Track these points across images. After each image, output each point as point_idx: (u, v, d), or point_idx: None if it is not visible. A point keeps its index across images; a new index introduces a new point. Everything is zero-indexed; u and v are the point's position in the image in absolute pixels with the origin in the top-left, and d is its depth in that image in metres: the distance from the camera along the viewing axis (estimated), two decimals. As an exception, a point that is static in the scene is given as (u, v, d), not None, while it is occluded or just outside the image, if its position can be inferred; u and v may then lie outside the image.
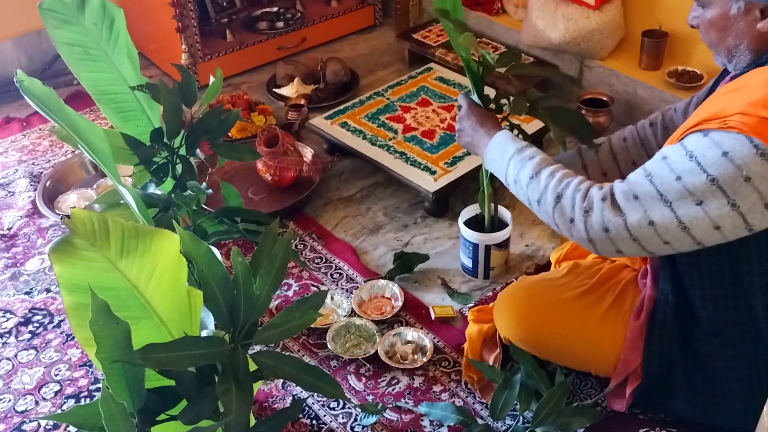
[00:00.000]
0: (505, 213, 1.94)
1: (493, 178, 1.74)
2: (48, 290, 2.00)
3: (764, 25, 1.21)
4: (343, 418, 1.65)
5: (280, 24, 2.99)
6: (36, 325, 1.91)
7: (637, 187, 1.21)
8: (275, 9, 3.07)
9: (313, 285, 1.99)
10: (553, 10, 2.52)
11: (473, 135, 1.51)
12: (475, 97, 1.60)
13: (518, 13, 2.78)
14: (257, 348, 1.59)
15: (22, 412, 1.70)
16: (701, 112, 1.21)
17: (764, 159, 1.11)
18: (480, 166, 1.79)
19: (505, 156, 1.40)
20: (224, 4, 3.01)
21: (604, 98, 2.44)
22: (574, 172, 1.33)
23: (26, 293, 2.00)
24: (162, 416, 1.19)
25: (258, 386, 1.68)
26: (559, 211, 1.28)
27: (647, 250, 1.23)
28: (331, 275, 2.01)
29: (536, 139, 1.70)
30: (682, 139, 1.20)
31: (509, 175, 1.39)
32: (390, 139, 2.32)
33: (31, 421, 1.67)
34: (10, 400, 1.72)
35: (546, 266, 1.96)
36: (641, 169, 1.24)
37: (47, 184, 2.30)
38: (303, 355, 1.78)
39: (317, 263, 2.05)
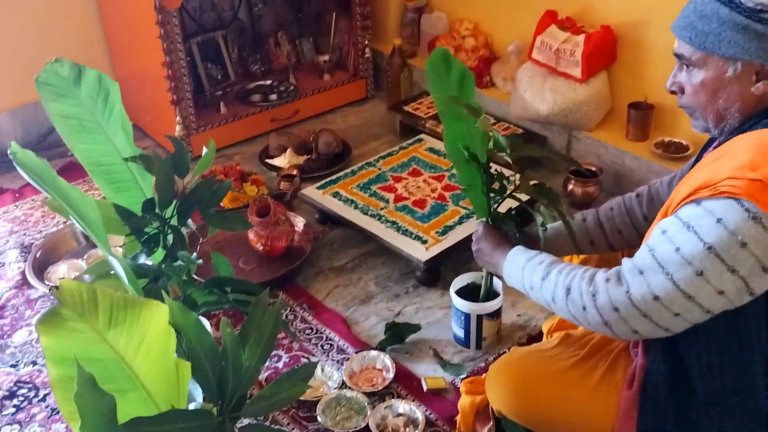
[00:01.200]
0: (496, 283, 1.94)
1: None
2: (34, 363, 1.97)
3: (759, 88, 1.23)
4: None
5: (274, 96, 3.05)
6: (21, 398, 1.87)
7: (641, 262, 1.23)
8: (269, 82, 3.14)
9: (303, 356, 1.97)
10: (540, 83, 2.58)
11: (491, 255, 1.58)
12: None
13: (506, 86, 2.85)
14: (246, 421, 1.56)
15: (3, 489, 1.65)
16: (691, 182, 1.22)
17: (756, 222, 1.12)
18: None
19: (518, 268, 1.45)
20: (219, 77, 3.07)
21: (593, 169, 2.48)
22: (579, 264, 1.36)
23: (12, 366, 1.96)
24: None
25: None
26: (572, 303, 1.30)
27: (662, 327, 1.22)
28: (322, 346, 1.99)
29: (521, 215, 1.76)
30: (676, 210, 1.21)
31: (525, 283, 1.43)
32: (381, 209, 2.34)
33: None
34: (-10, 477, 1.68)
35: (538, 336, 1.95)
36: (645, 245, 1.25)
37: (38, 255, 2.29)
38: (292, 429, 1.75)
39: (308, 334, 2.04)
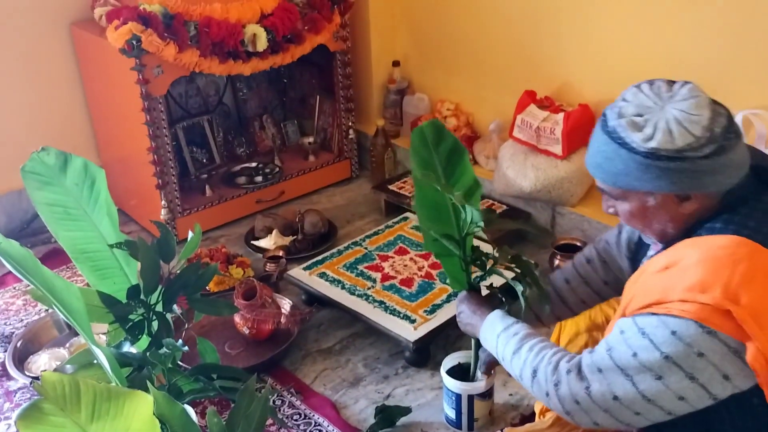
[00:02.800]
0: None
1: None
2: (12, 457, 1.90)
3: (687, 207, 1.23)
4: None
5: (259, 178, 3.07)
6: (-3, 496, 1.79)
7: (600, 360, 1.23)
8: (254, 164, 3.17)
9: (292, 443, 1.92)
10: (522, 160, 2.62)
11: (471, 317, 1.60)
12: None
13: (489, 164, 2.89)
14: None
15: None
16: (642, 295, 1.21)
17: (711, 336, 1.13)
18: None
19: (494, 334, 1.47)
20: (204, 160, 3.10)
21: (578, 243, 2.49)
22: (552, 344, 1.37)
23: (-11, 461, 1.89)
24: None
25: None
26: (537, 386, 1.32)
27: (622, 422, 1.23)
28: (311, 432, 1.94)
29: (508, 292, 1.77)
30: (634, 315, 1.21)
31: (498, 352, 1.45)
32: (368, 288, 2.32)
33: None
34: None
35: (531, 416, 1.91)
36: (603, 342, 1.26)
37: (18, 345, 2.24)
38: None
39: (296, 420, 1.99)
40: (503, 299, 1.66)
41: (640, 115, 1.21)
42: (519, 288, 1.56)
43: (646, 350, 1.16)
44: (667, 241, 1.29)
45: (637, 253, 1.48)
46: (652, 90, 1.24)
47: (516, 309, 1.59)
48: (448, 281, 1.91)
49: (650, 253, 1.39)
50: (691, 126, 1.17)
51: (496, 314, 1.51)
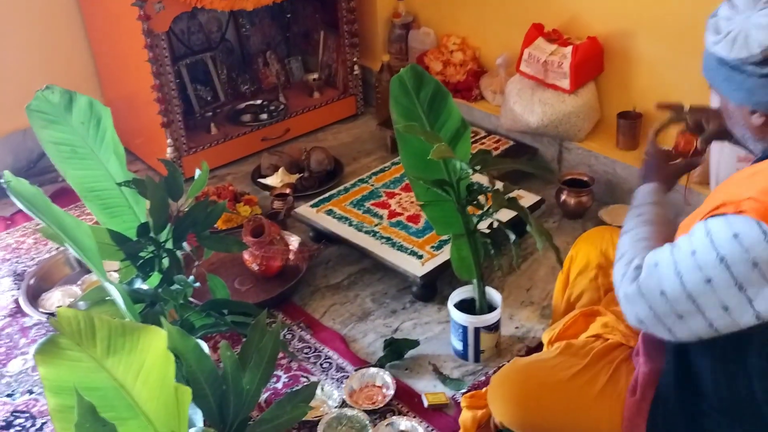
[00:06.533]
0: (494, 295, 1.94)
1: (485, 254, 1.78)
2: (30, 392, 1.95)
3: (755, 120, 1.24)
4: None
5: (264, 116, 3.05)
6: (18, 429, 1.85)
7: (661, 255, 1.23)
8: (259, 102, 3.14)
9: (302, 376, 1.96)
10: (529, 95, 2.59)
11: (641, 175, 1.54)
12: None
13: (496, 99, 2.86)
14: (247, 444, 1.54)
15: None
16: (723, 191, 1.22)
17: None
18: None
19: (634, 204, 1.46)
20: (208, 98, 3.07)
21: (585, 178, 2.49)
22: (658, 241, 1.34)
23: (8, 395, 1.94)
24: None
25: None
26: (617, 271, 1.31)
27: (665, 324, 1.22)
28: (321, 365, 1.98)
29: (516, 227, 1.76)
30: (706, 217, 1.21)
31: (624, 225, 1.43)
32: (376, 225, 2.33)
33: None
34: None
35: (537, 348, 1.95)
36: (669, 243, 1.26)
37: (31, 282, 2.27)
38: (294, 450, 1.73)
39: (306, 353, 2.03)
40: (491, 247, 1.66)
41: (726, 19, 1.23)
42: (512, 237, 1.56)
43: (705, 250, 1.16)
44: (752, 149, 1.31)
45: None
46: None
47: (508, 258, 1.58)
48: (435, 230, 1.89)
49: None
50: (751, 42, 1.18)
51: (646, 188, 1.48)
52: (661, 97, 2.43)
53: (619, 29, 2.48)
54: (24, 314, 2.20)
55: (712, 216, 1.20)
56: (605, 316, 1.58)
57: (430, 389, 1.88)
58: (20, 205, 1.27)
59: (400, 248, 2.22)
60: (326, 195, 2.51)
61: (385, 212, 2.39)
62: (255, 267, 2.25)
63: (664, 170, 1.54)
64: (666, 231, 1.36)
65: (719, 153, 2.14)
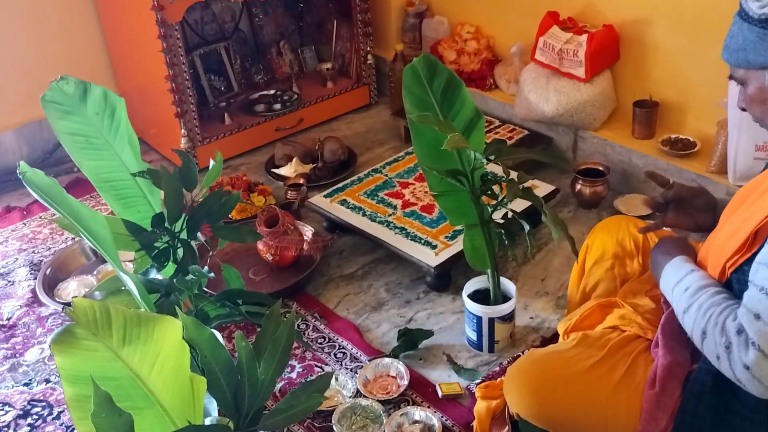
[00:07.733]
0: (509, 285, 1.93)
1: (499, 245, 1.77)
2: (47, 380, 1.97)
3: None
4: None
5: (278, 106, 3.05)
6: (35, 417, 1.87)
7: (755, 304, 1.15)
8: (272, 92, 3.14)
9: (316, 366, 1.96)
10: (544, 84, 2.57)
11: (657, 265, 1.44)
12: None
13: (510, 88, 2.84)
14: (262, 434, 1.55)
15: None
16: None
17: None
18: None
19: (670, 287, 1.36)
20: (222, 88, 3.07)
21: (600, 168, 2.47)
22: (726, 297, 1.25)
23: (25, 384, 1.96)
24: None
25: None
26: (707, 349, 1.23)
27: None
28: (335, 355, 1.98)
29: (531, 217, 1.75)
30: None
31: (674, 305, 1.35)
32: (389, 215, 2.33)
33: None
34: (7, 498, 1.67)
35: (552, 338, 1.94)
36: (752, 285, 1.18)
37: (47, 272, 2.29)
38: (309, 439, 1.74)
39: (320, 343, 2.03)
40: (505, 237, 1.64)
41: None
42: (526, 227, 1.55)
43: None
44: None
45: None
46: None
47: (522, 248, 1.57)
48: (449, 220, 1.87)
49: None
50: None
51: (675, 262, 1.38)
52: (678, 85, 2.42)
53: (635, 17, 2.45)
54: (41, 304, 2.22)
55: None
56: (622, 308, 1.57)
57: (444, 379, 1.88)
58: (36, 196, 1.27)
59: (414, 238, 2.22)
60: (340, 185, 2.51)
61: (398, 202, 2.39)
62: (269, 257, 2.25)
63: (677, 243, 1.45)
64: (720, 285, 1.28)
65: (737, 142, 2.12)
